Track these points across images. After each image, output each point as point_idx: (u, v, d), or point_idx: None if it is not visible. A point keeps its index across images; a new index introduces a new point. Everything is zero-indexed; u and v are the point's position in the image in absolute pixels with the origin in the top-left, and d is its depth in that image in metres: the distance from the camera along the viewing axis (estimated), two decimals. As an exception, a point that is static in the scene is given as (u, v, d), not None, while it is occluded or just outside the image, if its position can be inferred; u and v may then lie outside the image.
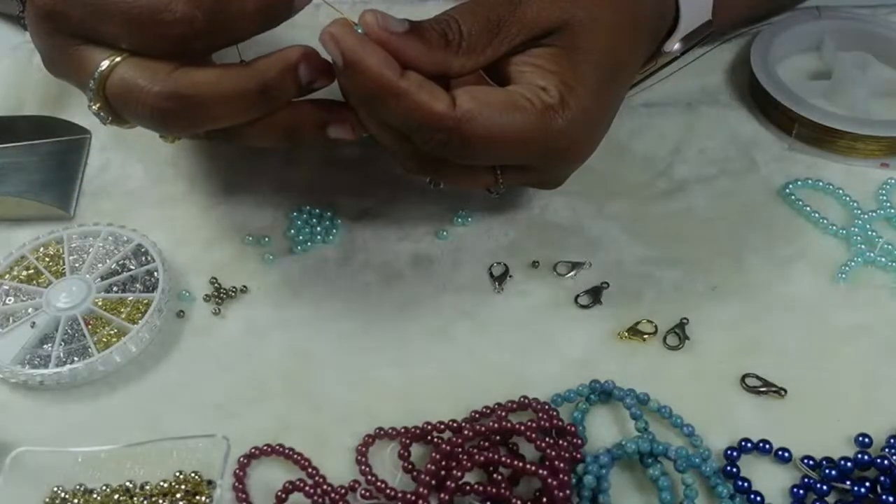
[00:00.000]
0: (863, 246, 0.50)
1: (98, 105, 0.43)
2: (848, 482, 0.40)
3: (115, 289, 0.48)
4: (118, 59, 0.42)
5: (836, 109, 0.56)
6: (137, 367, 0.46)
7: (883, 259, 0.49)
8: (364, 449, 0.42)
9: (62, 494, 0.40)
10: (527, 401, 0.43)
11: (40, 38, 0.45)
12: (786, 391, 0.44)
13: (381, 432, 0.42)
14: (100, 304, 0.47)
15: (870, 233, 0.50)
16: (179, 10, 0.40)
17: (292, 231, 0.52)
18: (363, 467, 0.41)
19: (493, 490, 0.39)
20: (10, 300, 0.48)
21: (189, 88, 0.41)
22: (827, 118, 0.55)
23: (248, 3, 0.42)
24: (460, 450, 0.40)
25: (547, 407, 0.43)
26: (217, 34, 0.42)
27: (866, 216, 0.51)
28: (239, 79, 0.42)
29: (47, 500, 0.40)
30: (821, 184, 0.53)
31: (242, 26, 0.42)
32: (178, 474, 0.41)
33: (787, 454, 0.41)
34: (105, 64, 0.42)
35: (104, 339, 0.46)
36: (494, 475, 0.40)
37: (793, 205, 0.53)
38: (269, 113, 0.43)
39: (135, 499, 0.40)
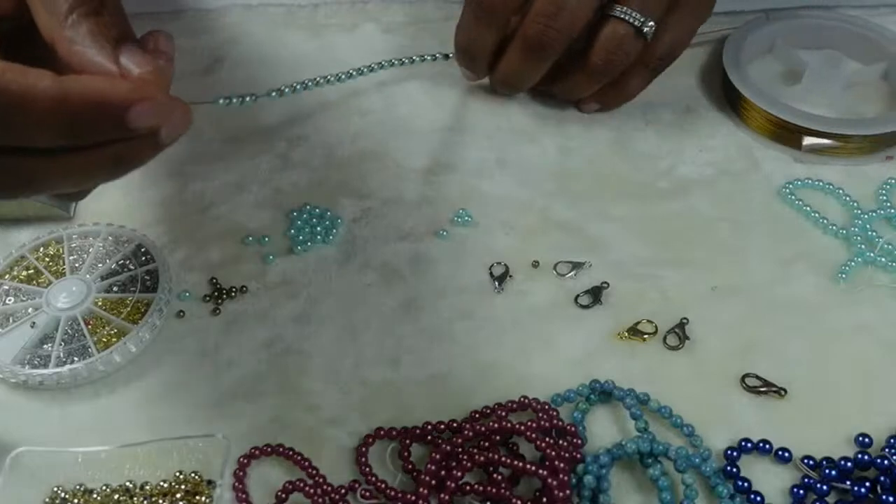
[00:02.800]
0: (863, 246, 0.50)
1: None
2: (848, 482, 0.40)
3: (115, 289, 0.48)
4: None
5: (812, 109, 0.56)
6: (137, 367, 0.46)
7: (883, 259, 0.49)
8: (364, 449, 0.42)
9: (62, 494, 0.40)
10: (527, 401, 0.43)
11: None
12: (786, 391, 0.44)
13: (381, 432, 0.42)
14: (100, 304, 0.47)
15: (870, 233, 0.50)
16: None
17: (292, 231, 0.52)
18: (363, 467, 0.41)
19: (493, 490, 0.39)
20: (10, 300, 0.48)
21: None
22: (825, 124, 0.54)
23: (41, 86, 0.31)
24: (460, 450, 0.40)
25: (547, 407, 0.43)
26: None
27: (866, 216, 0.51)
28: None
29: (47, 500, 0.40)
30: (821, 184, 0.53)
31: (33, 120, 0.31)
32: (178, 474, 0.41)
33: (787, 454, 0.41)
34: None
35: (104, 339, 0.46)
36: (494, 475, 0.40)
37: (793, 205, 0.53)
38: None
39: (135, 499, 0.40)
